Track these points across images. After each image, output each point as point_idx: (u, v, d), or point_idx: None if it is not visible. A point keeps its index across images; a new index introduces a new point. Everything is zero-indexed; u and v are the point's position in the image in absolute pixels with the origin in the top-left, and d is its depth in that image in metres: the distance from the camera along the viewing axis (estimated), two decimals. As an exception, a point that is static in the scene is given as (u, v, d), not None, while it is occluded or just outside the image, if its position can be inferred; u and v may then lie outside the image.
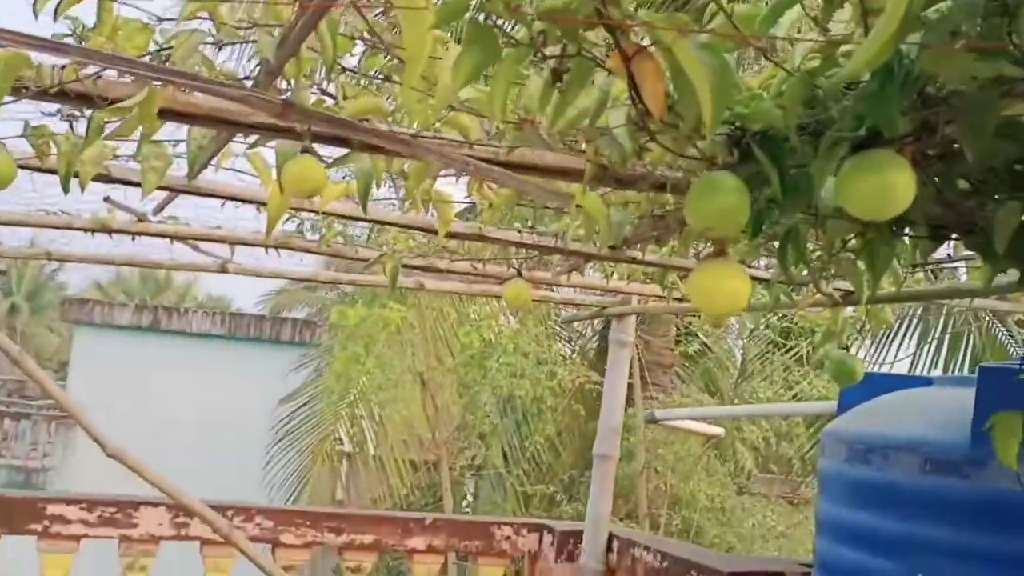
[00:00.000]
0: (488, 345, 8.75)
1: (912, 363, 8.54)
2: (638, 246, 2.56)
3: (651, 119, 1.10)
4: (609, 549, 3.93)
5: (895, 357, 8.68)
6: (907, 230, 1.88)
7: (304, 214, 3.15)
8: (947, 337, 8.52)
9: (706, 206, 1.10)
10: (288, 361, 11.48)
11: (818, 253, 2.44)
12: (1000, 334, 8.28)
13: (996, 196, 1.66)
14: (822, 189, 1.55)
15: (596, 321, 10.06)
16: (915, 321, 8.64)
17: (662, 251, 2.80)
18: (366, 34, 1.31)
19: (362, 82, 1.56)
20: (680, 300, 3.52)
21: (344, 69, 1.42)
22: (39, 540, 3.65)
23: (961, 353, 8.48)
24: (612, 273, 3.45)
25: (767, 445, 9.15)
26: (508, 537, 4.20)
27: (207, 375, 13.33)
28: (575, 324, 10.76)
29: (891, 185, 1.01)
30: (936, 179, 1.68)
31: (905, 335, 8.80)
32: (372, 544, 4.02)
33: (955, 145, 1.55)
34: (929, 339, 8.70)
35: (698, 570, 3.24)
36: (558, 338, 10.60)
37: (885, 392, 3.22)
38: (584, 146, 1.61)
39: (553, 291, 4.83)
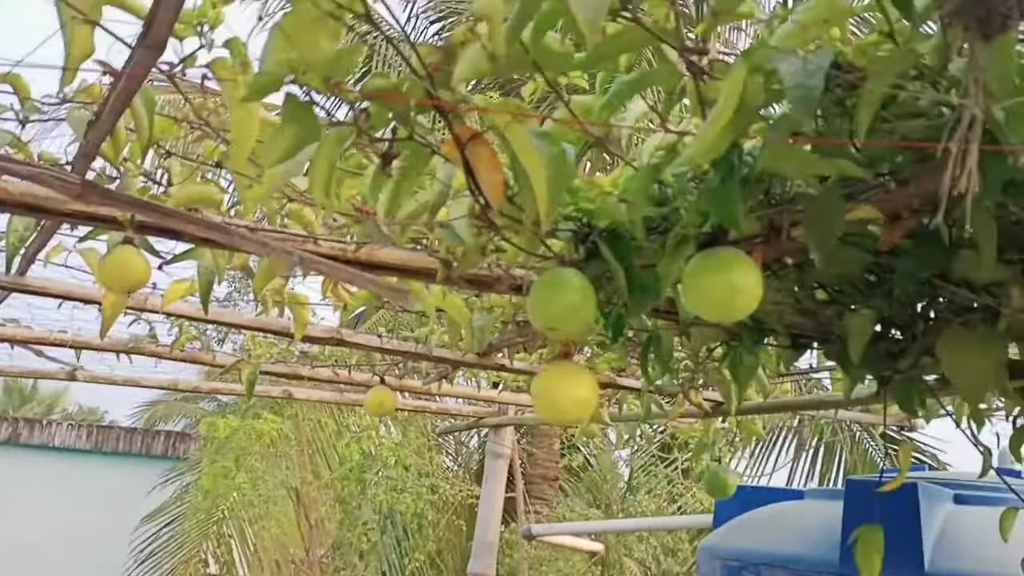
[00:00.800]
0: (368, 457, 8.45)
1: (790, 473, 8.69)
2: (505, 353, 2.49)
3: (492, 211, 1.03)
4: None
5: (774, 467, 8.82)
6: (768, 339, 1.86)
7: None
8: (821, 448, 8.72)
9: (548, 305, 1.02)
10: (159, 477, 10.81)
11: (685, 361, 2.42)
12: (869, 448, 8.52)
13: (852, 306, 1.66)
14: (682, 294, 1.51)
15: (481, 433, 9.90)
16: (791, 432, 8.83)
17: (531, 359, 2.74)
18: (192, 116, 1.22)
19: (199, 171, 1.46)
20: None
21: (169, 153, 1.31)
22: None
23: (835, 464, 8.68)
24: (486, 380, 3.35)
25: (656, 562, 9.03)
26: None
27: (70, 493, 12.44)
28: (461, 436, 10.56)
29: (736, 285, 0.96)
30: (794, 288, 1.67)
31: (782, 446, 8.98)
32: None
33: (812, 256, 1.55)
34: (805, 449, 8.90)
35: None
36: (441, 450, 10.35)
37: (758, 505, 3.19)
38: (437, 244, 1.53)
39: (436, 400, 4.69)
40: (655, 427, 7.32)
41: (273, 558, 9.20)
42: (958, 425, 2.51)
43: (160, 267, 1.89)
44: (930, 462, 7.75)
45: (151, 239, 1.68)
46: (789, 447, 8.95)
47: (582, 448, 10.35)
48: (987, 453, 1.64)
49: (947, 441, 7.08)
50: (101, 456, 13.65)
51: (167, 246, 1.80)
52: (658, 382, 2.72)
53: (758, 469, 8.98)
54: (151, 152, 1.41)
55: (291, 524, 8.90)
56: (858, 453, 8.41)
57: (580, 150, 1.05)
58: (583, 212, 1.08)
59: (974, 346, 1.37)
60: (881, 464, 8.17)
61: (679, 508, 9.19)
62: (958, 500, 2.66)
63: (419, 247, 1.59)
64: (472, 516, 8.88)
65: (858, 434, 8.53)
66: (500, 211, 1.03)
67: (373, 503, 8.49)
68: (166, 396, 15.50)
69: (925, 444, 8.27)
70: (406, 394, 4.26)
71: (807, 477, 8.75)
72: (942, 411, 2.53)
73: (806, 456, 8.90)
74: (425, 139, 1.00)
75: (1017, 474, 3.14)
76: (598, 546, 5.89)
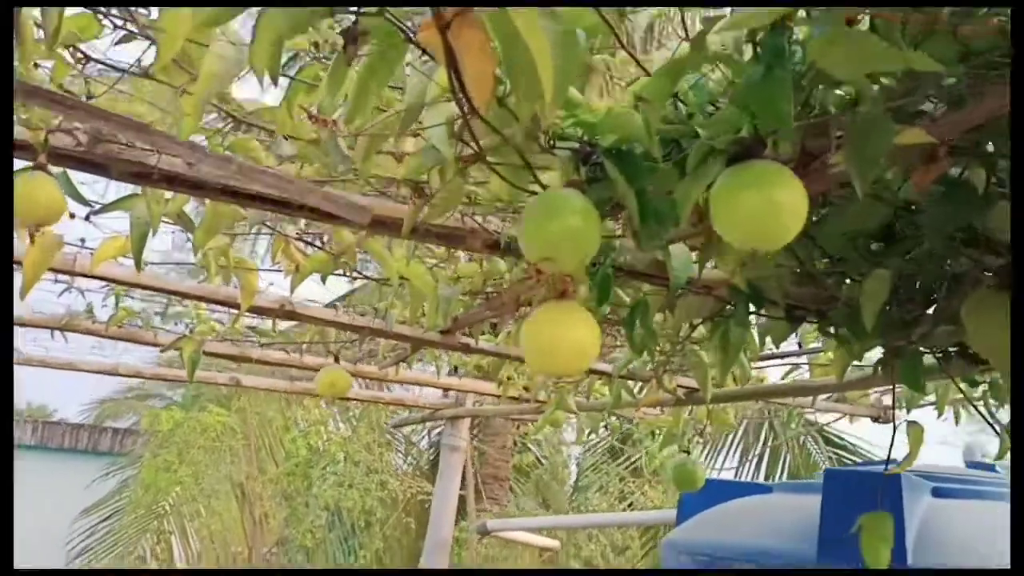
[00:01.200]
0: (316, 452, 8.21)
1: (736, 476, 8.72)
2: (470, 333, 2.31)
3: (476, 115, 0.86)
4: None
5: (720, 470, 8.85)
6: (762, 310, 1.72)
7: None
8: (767, 452, 8.79)
9: (543, 230, 0.84)
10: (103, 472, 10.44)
11: (661, 345, 2.26)
12: (813, 451, 8.61)
13: (856, 275, 1.53)
14: (675, 264, 1.35)
15: (432, 432, 9.71)
16: (738, 436, 8.89)
17: (498, 340, 2.56)
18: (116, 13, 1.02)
19: (138, 93, 1.25)
20: (516, 399, 3.27)
21: (88, 58, 1.12)
22: None
23: (779, 467, 8.76)
24: (447, 364, 3.17)
25: (604, 561, 8.92)
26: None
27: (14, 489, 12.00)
28: (412, 436, 10.33)
29: (779, 202, 0.79)
30: (795, 253, 1.52)
31: (729, 450, 9.02)
32: None
33: (814, 218, 1.40)
34: (750, 456, 8.99)
35: None
36: (392, 447, 10.13)
37: (725, 499, 3.08)
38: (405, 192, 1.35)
39: (390, 390, 4.49)
40: (620, 418, 7.19)
41: (215, 555, 8.90)
42: (940, 415, 2.39)
43: (87, 217, 1.69)
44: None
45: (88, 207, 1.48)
46: (735, 451, 8.98)
47: (532, 448, 10.20)
48: (1004, 433, 1.51)
49: (877, 445, 7.10)
50: (46, 452, 13.31)
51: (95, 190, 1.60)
52: (631, 366, 2.56)
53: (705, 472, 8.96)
54: (75, 67, 1.21)
55: (234, 520, 8.62)
56: (802, 457, 8.48)
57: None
58: (584, 127, 0.91)
59: (1005, 310, 1.23)
60: (823, 467, 8.22)
61: (629, 506, 9.13)
62: (936, 493, 2.56)
63: (386, 195, 1.42)
64: (422, 514, 8.68)
65: (803, 438, 8.61)
66: (485, 118, 0.86)
67: (320, 499, 8.26)
68: (117, 393, 15.15)
69: (857, 445, 8.35)
70: (361, 381, 4.06)
71: (752, 479, 8.77)
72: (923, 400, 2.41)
73: (751, 460, 8.95)
74: (399, 22, 0.82)
75: (992, 468, 3.07)
76: (554, 542, 5.74)
